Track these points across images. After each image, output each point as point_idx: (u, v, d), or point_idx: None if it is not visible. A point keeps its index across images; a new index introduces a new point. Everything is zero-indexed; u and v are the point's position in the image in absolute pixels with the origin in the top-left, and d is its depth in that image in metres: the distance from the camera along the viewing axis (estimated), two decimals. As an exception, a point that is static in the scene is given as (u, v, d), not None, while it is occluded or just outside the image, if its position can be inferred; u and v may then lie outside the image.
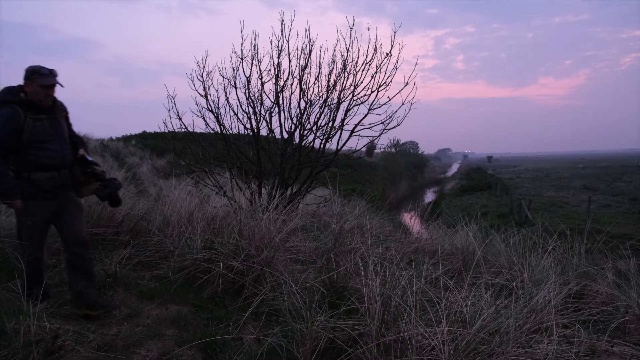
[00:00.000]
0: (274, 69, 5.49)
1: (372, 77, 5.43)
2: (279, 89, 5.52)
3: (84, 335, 2.65)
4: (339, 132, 5.61)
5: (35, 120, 2.87)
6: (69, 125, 3.17)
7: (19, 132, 2.80)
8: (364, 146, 5.95)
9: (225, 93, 5.60)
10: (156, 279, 3.66)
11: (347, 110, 5.59)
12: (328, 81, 5.55)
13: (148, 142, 22.61)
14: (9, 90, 2.89)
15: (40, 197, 2.91)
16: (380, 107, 5.46)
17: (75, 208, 3.10)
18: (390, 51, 5.35)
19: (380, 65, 5.40)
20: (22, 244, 2.96)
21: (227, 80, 5.58)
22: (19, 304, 2.74)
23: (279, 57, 5.45)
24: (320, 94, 5.59)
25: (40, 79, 2.86)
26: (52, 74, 2.90)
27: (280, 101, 5.58)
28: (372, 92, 5.45)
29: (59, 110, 3.05)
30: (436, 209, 12.71)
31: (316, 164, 5.78)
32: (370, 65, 5.45)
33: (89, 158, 3.10)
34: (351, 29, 5.39)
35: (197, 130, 5.65)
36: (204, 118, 5.62)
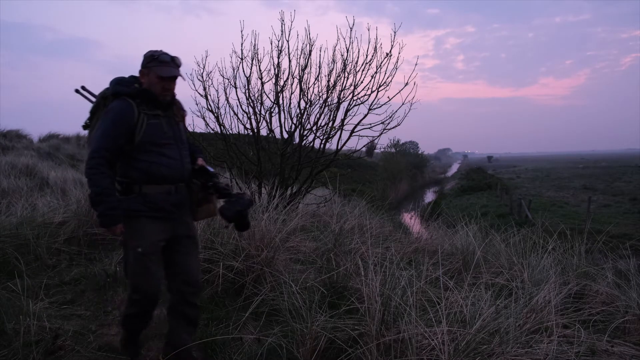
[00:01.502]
0: (274, 69, 5.50)
1: (372, 77, 5.44)
2: (279, 89, 5.52)
3: (84, 335, 2.66)
4: (339, 132, 5.62)
5: (150, 117, 2.25)
6: (185, 128, 2.55)
7: (130, 131, 2.20)
8: (364, 146, 5.95)
9: (225, 93, 5.61)
10: (156, 279, 3.66)
11: (347, 110, 5.60)
12: (328, 81, 5.55)
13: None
14: (120, 80, 2.33)
15: (152, 216, 2.25)
16: (380, 107, 5.47)
17: (191, 240, 2.44)
18: (390, 51, 5.36)
19: (380, 65, 5.41)
20: (131, 279, 2.28)
21: (227, 80, 5.59)
22: (19, 304, 2.74)
23: (279, 57, 5.46)
24: (320, 94, 5.60)
25: (158, 69, 2.24)
26: (173, 62, 2.29)
27: (280, 101, 5.58)
28: (372, 92, 5.46)
29: (177, 108, 2.42)
30: (436, 209, 12.71)
31: (316, 164, 5.78)
32: (370, 65, 5.46)
33: (210, 169, 2.43)
34: (351, 29, 5.40)
35: (197, 130, 5.67)
36: (204, 118, 5.63)
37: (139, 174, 2.24)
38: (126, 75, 2.38)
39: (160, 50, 2.29)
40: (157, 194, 2.26)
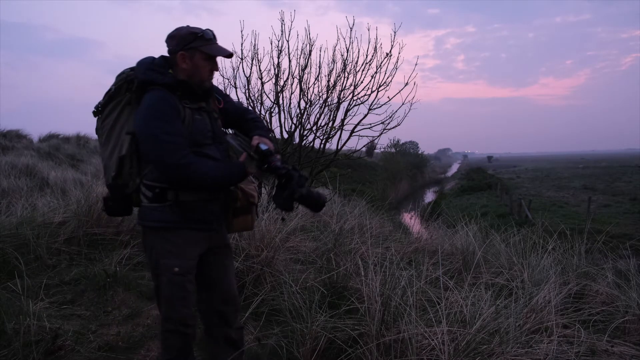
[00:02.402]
0: (274, 69, 5.50)
1: (372, 77, 5.44)
2: (279, 89, 5.52)
3: (84, 335, 2.65)
4: (339, 132, 5.62)
5: (194, 112, 1.89)
6: (229, 106, 2.10)
7: None
8: (364, 146, 5.97)
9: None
10: (156, 279, 3.66)
11: (347, 110, 5.60)
12: (328, 81, 5.56)
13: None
14: (152, 64, 1.87)
15: (190, 227, 1.91)
16: (380, 107, 5.48)
17: (228, 250, 2.12)
18: (390, 51, 5.36)
19: (380, 65, 5.42)
20: (163, 306, 1.94)
21: (227, 80, 5.60)
22: (19, 304, 2.74)
23: (279, 57, 5.46)
24: (320, 94, 5.61)
25: (208, 47, 1.86)
26: (215, 38, 1.91)
27: (280, 101, 5.59)
28: (372, 92, 5.47)
29: (213, 100, 2.01)
30: (436, 209, 12.71)
31: (316, 164, 5.78)
32: (370, 65, 5.47)
33: (264, 147, 1.90)
34: (351, 29, 5.40)
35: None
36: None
37: None
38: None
39: (198, 27, 1.89)
40: (196, 202, 1.89)
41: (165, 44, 1.92)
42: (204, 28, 1.89)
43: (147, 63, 1.88)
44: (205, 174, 1.83)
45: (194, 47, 1.85)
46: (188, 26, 1.90)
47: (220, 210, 2.00)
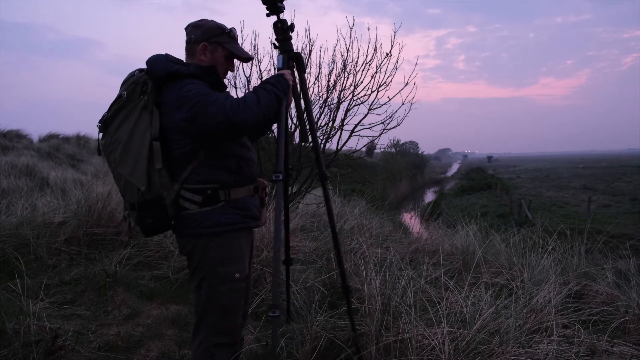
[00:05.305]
0: (274, 69, 5.49)
1: (372, 77, 5.43)
2: (279, 89, 5.52)
3: (84, 335, 2.66)
4: (339, 132, 5.61)
5: None
6: None
7: None
8: (364, 146, 5.95)
9: (225, 93, 5.61)
10: (156, 279, 3.66)
11: (347, 110, 5.59)
12: (328, 81, 5.55)
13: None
14: (169, 57, 1.76)
15: (245, 227, 1.82)
16: (380, 107, 5.46)
17: (252, 255, 2.04)
18: (390, 51, 5.35)
19: (380, 65, 5.40)
20: (215, 318, 1.78)
21: (227, 80, 5.59)
22: (19, 304, 2.74)
23: (279, 57, 5.46)
24: (320, 94, 5.60)
25: (232, 46, 1.84)
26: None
27: (280, 101, 5.58)
28: (372, 92, 5.46)
29: None
30: (436, 209, 12.71)
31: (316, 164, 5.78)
32: (370, 65, 5.45)
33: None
34: (351, 29, 5.39)
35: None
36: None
37: (229, 175, 1.76)
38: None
39: (223, 24, 1.84)
40: (245, 198, 1.81)
41: (185, 32, 1.84)
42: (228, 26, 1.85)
43: (164, 56, 1.74)
44: (269, 94, 1.77)
45: (219, 41, 1.80)
46: (214, 20, 1.84)
47: (259, 203, 1.92)
